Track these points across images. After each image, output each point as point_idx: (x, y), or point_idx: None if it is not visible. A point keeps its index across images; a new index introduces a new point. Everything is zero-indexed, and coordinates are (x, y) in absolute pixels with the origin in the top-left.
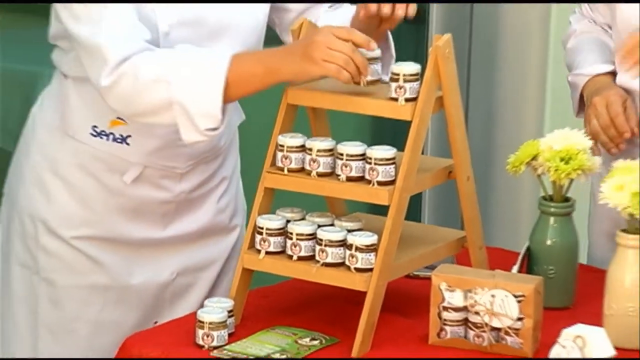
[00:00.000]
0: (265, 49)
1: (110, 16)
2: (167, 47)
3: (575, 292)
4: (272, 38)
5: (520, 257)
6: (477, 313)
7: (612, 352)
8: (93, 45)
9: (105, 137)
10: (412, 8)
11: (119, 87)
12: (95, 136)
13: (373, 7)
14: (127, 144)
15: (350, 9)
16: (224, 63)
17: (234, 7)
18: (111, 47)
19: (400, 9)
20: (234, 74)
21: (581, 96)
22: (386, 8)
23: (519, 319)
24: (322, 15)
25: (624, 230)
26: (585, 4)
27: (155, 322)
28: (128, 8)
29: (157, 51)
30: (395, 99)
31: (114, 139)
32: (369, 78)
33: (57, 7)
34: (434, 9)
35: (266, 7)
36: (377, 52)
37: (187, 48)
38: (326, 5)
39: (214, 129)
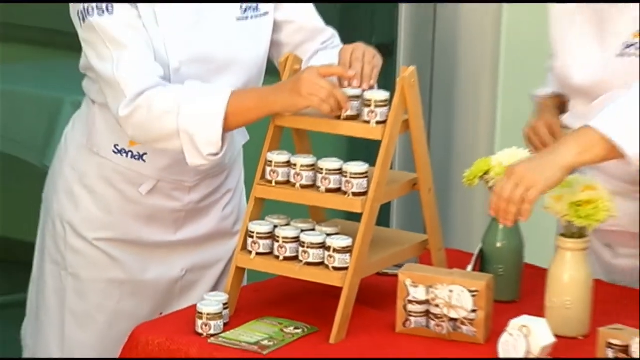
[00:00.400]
0: (261, 86)
1: (129, 56)
2: (177, 82)
3: (521, 288)
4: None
5: (474, 258)
6: (437, 306)
7: (552, 339)
8: (113, 80)
9: (125, 155)
10: (374, 80)
11: (135, 118)
12: (116, 153)
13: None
14: (144, 160)
15: (331, 53)
16: (225, 98)
17: (238, 45)
18: (129, 83)
19: (365, 84)
20: (233, 108)
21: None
22: (355, 83)
23: (473, 311)
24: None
25: (563, 235)
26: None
27: (161, 313)
28: (144, 48)
29: (168, 86)
30: (368, 122)
31: (132, 156)
32: (349, 113)
33: (85, 45)
34: (402, 44)
35: (267, 43)
36: (358, 91)
37: (194, 84)
38: (318, 43)
39: (216, 154)
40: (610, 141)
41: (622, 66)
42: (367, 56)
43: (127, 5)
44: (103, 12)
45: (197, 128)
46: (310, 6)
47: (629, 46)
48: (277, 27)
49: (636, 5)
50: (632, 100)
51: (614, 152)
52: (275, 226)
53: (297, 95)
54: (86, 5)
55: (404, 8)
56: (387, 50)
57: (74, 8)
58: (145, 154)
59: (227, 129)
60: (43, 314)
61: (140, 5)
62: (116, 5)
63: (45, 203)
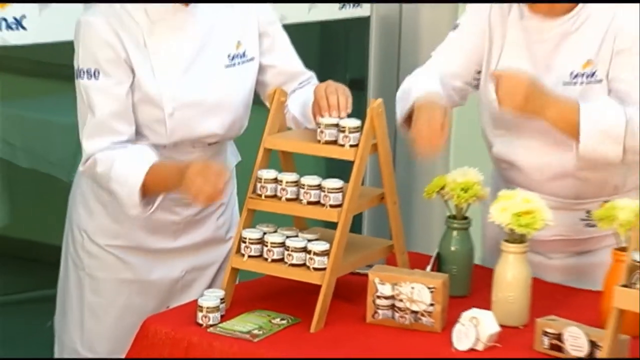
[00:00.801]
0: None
1: (93, 121)
2: (173, 124)
3: (471, 285)
4: None
5: (432, 260)
6: (401, 300)
7: (497, 329)
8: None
9: None
10: (350, 108)
11: (86, 173)
12: None
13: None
14: None
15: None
16: (142, 173)
17: (227, 89)
18: (86, 145)
19: (342, 113)
20: (148, 180)
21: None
22: (334, 114)
23: (431, 305)
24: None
25: (506, 240)
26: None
27: (168, 307)
28: (108, 117)
29: (111, 153)
30: (343, 145)
31: None
32: (327, 138)
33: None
34: (371, 79)
35: (252, 85)
36: (335, 120)
37: (129, 155)
38: (297, 83)
39: (147, 206)
40: (578, 128)
41: (568, 94)
42: (340, 90)
43: (116, 76)
44: (90, 77)
45: (122, 193)
46: (292, 51)
47: (576, 76)
48: (261, 70)
49: (571, 45)
50: (615, 114)
51: (574, 134)
52: (265, 233)
53: (181, 187)
54: (80, 67)
55: (372, 48)
56: (359, 85)
57: (75, 63)
58: None
59: (144, 195)
60: (67, 308)
61: (137, 62)
62: (102, 73)
63: (68, 213)
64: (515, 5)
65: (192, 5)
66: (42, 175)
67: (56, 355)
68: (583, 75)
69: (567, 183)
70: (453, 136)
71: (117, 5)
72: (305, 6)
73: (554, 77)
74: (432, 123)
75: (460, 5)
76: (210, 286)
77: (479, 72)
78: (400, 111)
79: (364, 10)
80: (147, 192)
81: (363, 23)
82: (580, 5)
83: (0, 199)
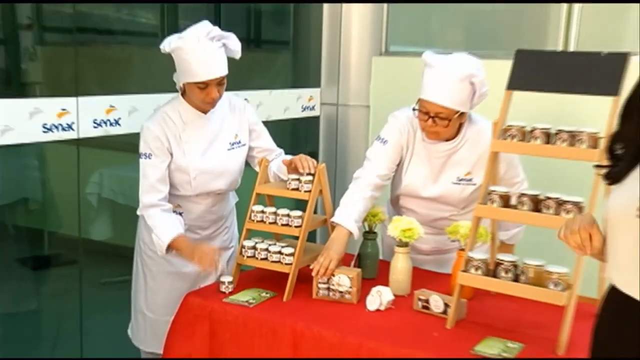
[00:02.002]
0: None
1: (146, 184)
2: (195, 184)
3: (377, 272)
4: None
5: (354, 258)
6: (332, 284)
7: (392, 297)
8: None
9: (172, 212)
10: (313, 168)
11: (142, 217)
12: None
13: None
14: (180, 214)
15: (281, 158)
16: (167, 240)
17: (228, 163)
18: (142, 199)
19: (312, 169)
20: (172, 244)
21: None
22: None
23: (350, 287)
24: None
25: (398, 245)
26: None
27: (199, 287)
28: (155, 182)
29: (157, 214)
30: (301, 191)
31: (174, 212)
32: (292, 186)
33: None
34: (320, 151)
35: (244, 160)
36: (297, 176)
37: (168, 221)
38: (273, 155)
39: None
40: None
41: (455, 189)
42: (308, 158)
43: (161, 157)
44: (146, 158)
45: (158, 244)
46: (269, 137)
47: (460, 180)
48: (251, 149)
49: (455, 159)
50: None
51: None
52: (256, 242)
53: (192, 257)
54: (141, 152)
55: (321, 133)
56: (313, 155)
57: (139, 150)
58: (182, 212)
59: (170, 251)
60: (138, 287)
61: (174, 148)
62: (154, 156)
63: (137, 231)
64: (419, 132)
65: (209, 113)
66: (129, 208)
67: (132, 310)
68: (464, 180)
69: (441, 224)
70: None
71: (166, 116)
72: (281, 108)
73: (446, 179)
74: None
75: (372, 106)
76: (220, 276)
77: (397, 166)
78: (340, 207)
79: (316, 112)
80: (170, 249)
81: (315, 119)
82: (460, 135)
83: (106, 222)
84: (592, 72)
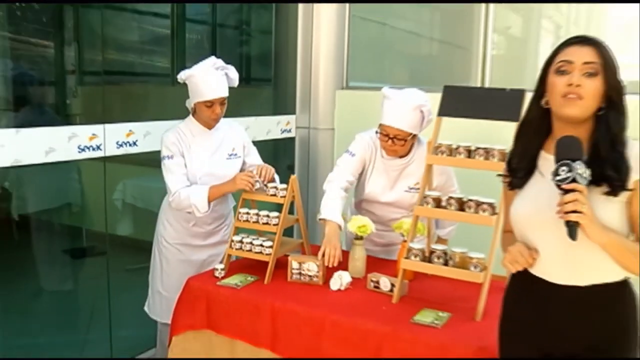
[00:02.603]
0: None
1: (172, 178)
2: (201, 183)
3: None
4: None
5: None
6: (303, 269)
7: (350, 279)
8: (167, 186)
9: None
10: (271, 177)
11: (174, 202)
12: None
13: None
14: (189, 212)
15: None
16: (206, 190)
17: (227, 170)
18: (170, 188)
19: (267, 180)
20: (210, 194)
21: None
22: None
23: (317, 272)
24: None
25: (355, 238)
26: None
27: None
28: (179, 174)
29: (185, 189)
30: (276, 196)
31: (187, 212)
32: (270, 193)
33: (163, 167)
34: (296, 165)
35: (239, 166)
36: (274, 184)
37: (196, 188)
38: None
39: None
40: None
41: (407, 196)
42: (268, 168)
43: (180, 158)
44: (169, 158)
45: (197, 204)
46: (256, 153)
47: (411, 188)
48: (243, 163)
49: (408, 172)
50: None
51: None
52: (243, 237)
53: (234, 185)
54: (163, 154)
55: (296, 151)
56: (291, 168)
57: (161, 154)
58: (190, 211)
59: (210, 200)
60: (155, 271)
61: (186, 155)
62: (175, 156)
63: (156, 227)
64: (379, 150)
65: (213, 129)
66: (146, 210)
67: (150, 290)
68: (414, 188)
69: (394, 223)
70: None
71: (180, 130)
72: (264, 130)
73: (400, 188)
74: None
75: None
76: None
77: (360, 175)
78: (324, 205)
79: (292, 134)
80: (210, 198)
81: (292, 140)
82: (411, 153)
83: (130, 221)
84: (500, 103)
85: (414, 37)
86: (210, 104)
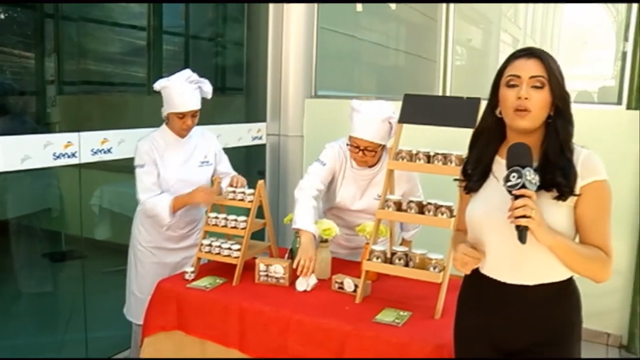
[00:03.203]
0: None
1: (141, 186)
2: (174, 191)
3: None
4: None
5: (288, 252)
6: (270, 272)
7: (316, 280)
8: (137, 193)
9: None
10: (244, 186)
11: (142, 211)
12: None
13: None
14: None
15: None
16: (169, 201)
17: (199, 176)
18: (139, 198)
19: (242, 187)
20: (173, 205)
21: None
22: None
23: (284, 274)
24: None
25: (321, 241)
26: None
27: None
28: (149, 184)
29: (156, 196)
30: (244, 201)
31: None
32: (238, 198)
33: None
34: (267, 171)
35: (210, 175)
36: (242, 190)
37: (162, 198)
38: (229, 171)
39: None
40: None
41: (376, 203)
42: (240, 178)
43: (152, 166)
44: (141, 167)
45: (160, 215)
46: (227, 161)
47: (379, 196)
48: (214, 171)
49: (375, 181)
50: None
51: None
52: (212, 241)
53: (193, 198)
54: (136, 163)
55: (267, 157)
56: (261, 173)
57: (134, 162)
58: None
59: (173, 211)
60: (131, 273)
61: (158, 162)
62: (146, 165)
63: (131, 231)
64: (349, 160)
65: (185, 138)
66: (123, 215)
67: (127, 292)
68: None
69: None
70: None
71: (153, 139)
72: (236, 137)
73: (369, 196)
74: None
75: (305, 136)
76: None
77: (330, 183)
78: (298, 215)
79: (263, 141)
80: (173, 209)
81: (263, 146)
82: (380, 163)
83: (107, 225)
84: (457, 111)
85: (381, 49)
86: (182, 115)
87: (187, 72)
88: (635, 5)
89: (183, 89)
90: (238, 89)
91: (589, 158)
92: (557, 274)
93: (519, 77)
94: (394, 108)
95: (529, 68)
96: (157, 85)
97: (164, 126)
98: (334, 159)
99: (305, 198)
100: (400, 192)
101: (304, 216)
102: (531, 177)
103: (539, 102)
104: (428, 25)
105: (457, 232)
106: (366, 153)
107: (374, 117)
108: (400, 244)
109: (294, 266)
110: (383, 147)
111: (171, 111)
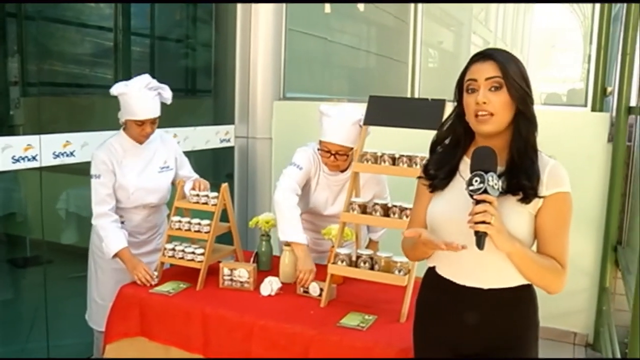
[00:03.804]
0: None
1: (95, 199)
2: (133, 199)
3: (272, 264)
4: None
5: (253, 255)
6: (234, 276)
7: (280, 284)
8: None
9: (120, 222)
10: (206, 188)
11: (94, 228)
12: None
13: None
14: (123, 222)
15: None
16: (114, 251)
17: (158, 183)
18: (93, 210)
19: (204, 190)
20: (118, 253)
21: None
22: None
23: (248, 278)
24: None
25: (284, 245)
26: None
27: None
28: (104, 196)
29: (106, 224)
30: (208, 204)
31: (120, 222)
32: (203, 201)
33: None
34: (235, 172)
35: (170, 180)
36: (206, 193)
37: (113, 238)
38: (190, 174)
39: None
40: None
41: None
42: (202, 181)
43: (108, 177)
44: (96, 178)
45: (105, 250)
46: (188, 165)
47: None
48: (175, 175)
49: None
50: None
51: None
52: (175, 245)
53: (132, 272)
54: (92, 173)
55: (235, 159)
56: (230, 175)
57: (91, 172)
58: (124, 221)
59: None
60: (91, 279)
61: (117, 170)
62: (102, 176)
63: (90, 236)
64: (322, 165)
65: (144, 144)
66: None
67: (88, 299)
68: (355, 202)
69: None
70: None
71: (111, 146)
72: (203, 140)
73: (342, 201)
74: None
75: (274, 138)
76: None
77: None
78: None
79: (231, 143)
80: (115, 256)
81: (231, 149)
82: (352, 166)
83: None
84: (422, 112)
85: (353, 51)
86: (141, 123)
87: (146, 78)
88: (597, 8)
89: (142, 96)
90: (206, 91)
91: (556, 169)
92: (514, 279)
93: (476, 80)
94: (362, 111)
95: (484, 70)
96: (114, 90)
97: (121, 132)
98: (309, 164)
99: (289, 207)
100: (371, 194)
101: (293, 227)
102: (493, 182)
103: (498, 104)
104: (399, 28)
105: (406, 239)
106: (337, 157)
107: (343, 121)
108: (367, 246)
109: (297, 282)
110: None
111: (129, 118)
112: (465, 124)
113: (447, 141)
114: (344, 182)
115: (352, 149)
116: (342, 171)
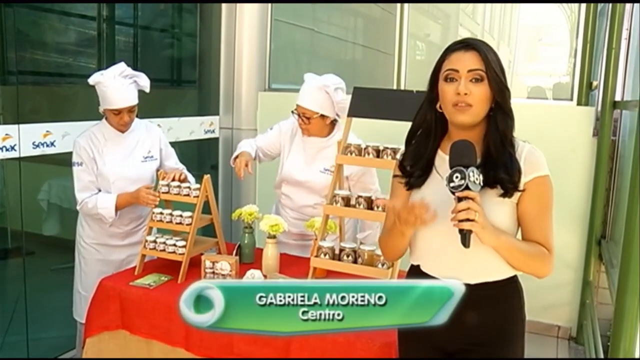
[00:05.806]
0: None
1: (78, 186)
2: (115, 188)
3: (254, 257)
4: None
5: (236, 247)
6: (216, 269)
7: (263, 277)
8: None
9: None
10: (183, 177)
11: (82, 211)
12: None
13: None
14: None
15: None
16: (114, 199)
17: (141, 172)
18: (77, 197)
19: (178, 179)
20: (117, 203)
21: None
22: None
23: (230, 271)
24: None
25: (268, 237)
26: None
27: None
28: (87, 182)
29: (93, 197)
30: (190, 196)
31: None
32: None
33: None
34: (220, 164)
35: (155, 170)
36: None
37: (105, 196)
38: (176, 165)
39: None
40: None
41: (321, 177)
42: (176, 172)
43: (89, 165)
44: (78, 165)
45: (103, 213)
46: (174, 155)
47: (326, 169)
48: (162, 166)
49: (325, 153)
50: None
51: None
52: (157, 237)
53: (137, 199)
54: (74, 161)
55: (220, 150)
56: (215, 166)
57: (72, 159)
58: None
59: (118, 209)
60: (76, 271)
61: (98, 159)
62: (84, 163)
63: (76, 226)
64: (299, 132)
65: (126, 132)
66: (71, 210)
67: (75, 290)
68: (328, 170)
69: (306, 210)
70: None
71: (92, 134)
72: (188, 131)
73: (315, 168)
74: None
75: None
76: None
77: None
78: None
79: (216, 134)
80: (117, 207)
81: (216, 140)
82: (330, 135)
83: (56, 221)
84: (407, 104)
85: (340, 42)
86: (117, 112)
87: (121, 66)
88: (584, 4)
89: (116, 85)
90: (190, 82)
91: (531, 153)
92: (499, 272)
93: (457, 71)
94: (337, 81)
95: (467, 61)
96: (91, 80)
97: (103, 121)
98: (286, 127)
99: (245, 143)
100: (346, 173)
101: (242, 149)
102: (475, 177)
103: (478, 96)
104: (386, 19)
105: (382, 235)
106: (304, 120)
107: (310, 86)
108: None
109: (231, 163)
110: (323, 117)
111: (106, 107)
112: (436, 112)
113: (420, 134)
114: (320, 148)
115: (318, 114)
116: (318, 137)
